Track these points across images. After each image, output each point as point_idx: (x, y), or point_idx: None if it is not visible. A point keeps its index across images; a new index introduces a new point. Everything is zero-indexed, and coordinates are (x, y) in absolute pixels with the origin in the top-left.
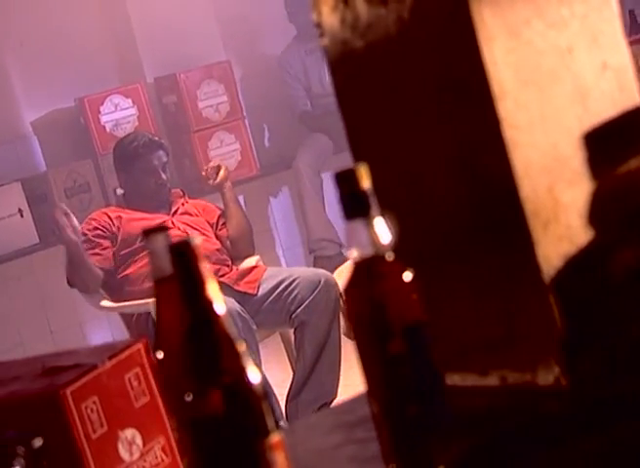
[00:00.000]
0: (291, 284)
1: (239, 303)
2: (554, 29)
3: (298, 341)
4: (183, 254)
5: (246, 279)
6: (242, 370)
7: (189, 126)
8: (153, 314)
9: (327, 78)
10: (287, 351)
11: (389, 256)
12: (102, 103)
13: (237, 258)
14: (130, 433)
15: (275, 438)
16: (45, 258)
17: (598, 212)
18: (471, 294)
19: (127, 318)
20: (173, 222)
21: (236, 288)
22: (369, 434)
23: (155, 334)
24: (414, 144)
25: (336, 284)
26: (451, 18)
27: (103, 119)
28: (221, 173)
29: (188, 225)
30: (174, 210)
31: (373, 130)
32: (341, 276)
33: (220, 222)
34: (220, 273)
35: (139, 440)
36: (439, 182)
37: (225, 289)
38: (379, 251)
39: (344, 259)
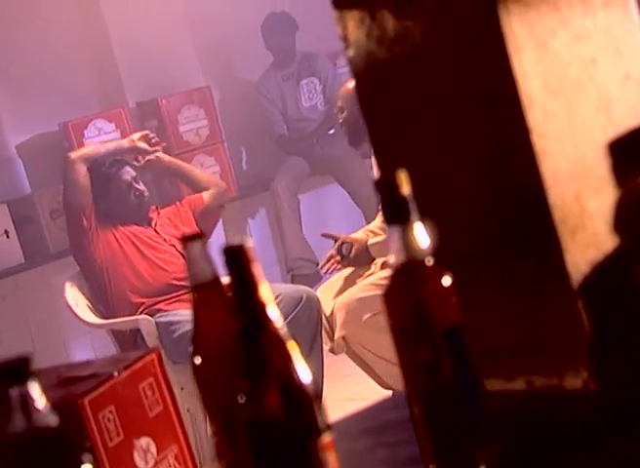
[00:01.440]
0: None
1: None
2: (579, 40)
3: None
4: (237, 257)
5: None
6: (296, 371)
7: (170, 149)
8: (142, 330)
9: (302, 103)
10: None
11: (429, 261)
12: (86, 127)
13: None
14: (145, 441)
15: (327, 438)
16: (30, 278)
17: (623, 219)
18: (500, 300)
19: (117, 334)
20: (157, 233)
21: None
22: (397, 438)
23: (193, 340)
24: (441, 153)
25: (317, 300)
26: (480, 28)
27: (87, 143)
28: (154, 141)
29: (173, 235)
30: (154, 222)
31: (397, 139)
32: (325, 292)
33: (191, 197)
34: None
35: (153, 448)
36: (467, 190)
37: None
38: (418, 255)
39: (321, 278)
